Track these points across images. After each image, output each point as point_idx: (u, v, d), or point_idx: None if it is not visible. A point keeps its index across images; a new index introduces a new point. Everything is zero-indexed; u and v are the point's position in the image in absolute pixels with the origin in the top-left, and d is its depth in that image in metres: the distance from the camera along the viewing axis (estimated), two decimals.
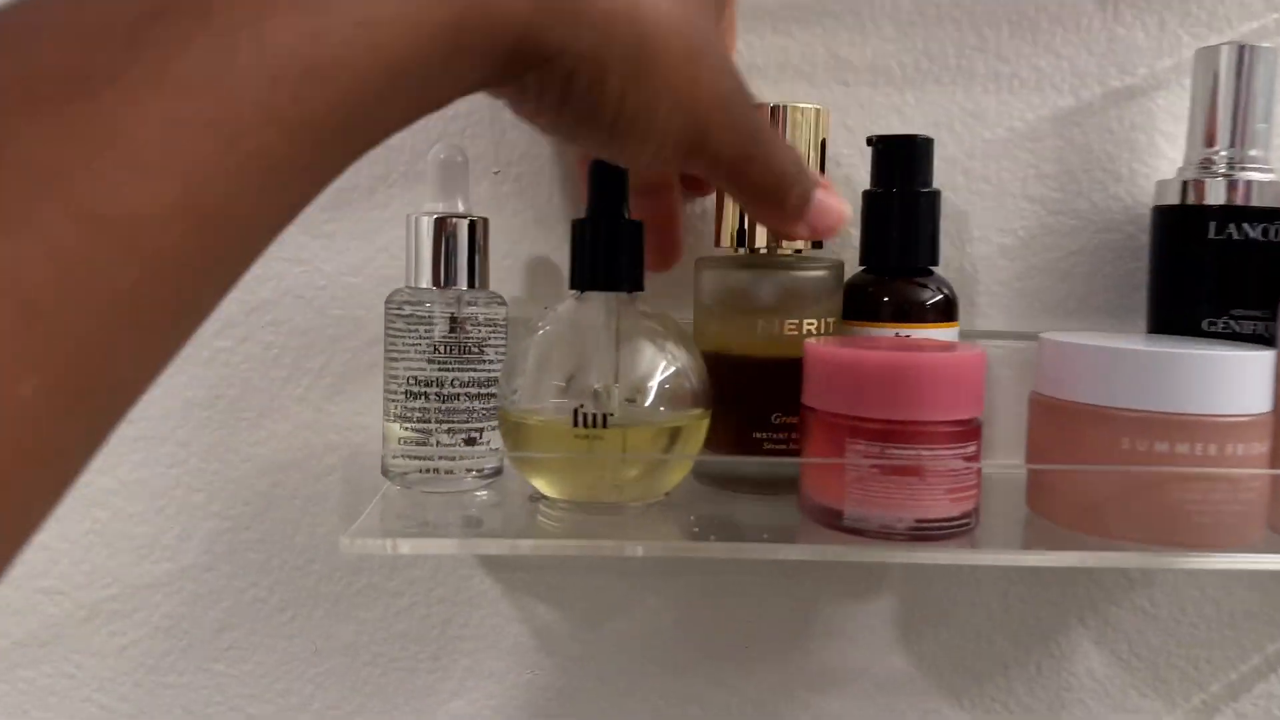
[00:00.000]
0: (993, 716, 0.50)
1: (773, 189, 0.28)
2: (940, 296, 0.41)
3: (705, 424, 0.39)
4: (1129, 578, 0.49)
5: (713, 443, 0.40)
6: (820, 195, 0.29)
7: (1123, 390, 0.36)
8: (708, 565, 0.48)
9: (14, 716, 0.49)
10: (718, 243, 0.42)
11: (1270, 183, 0.41)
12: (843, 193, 0.34)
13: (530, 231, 0.47)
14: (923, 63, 0.46)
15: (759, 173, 0.27)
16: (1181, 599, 0.49)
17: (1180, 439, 0.35)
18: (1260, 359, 0.36)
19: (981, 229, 0.47)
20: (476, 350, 0.40)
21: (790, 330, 0.40)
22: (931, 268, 0.42)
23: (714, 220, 0.42)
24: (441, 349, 0.40)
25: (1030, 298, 0.48)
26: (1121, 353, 0.37)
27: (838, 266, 0.42)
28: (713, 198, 0.44)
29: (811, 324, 0.41)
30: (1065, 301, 0.48)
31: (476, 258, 0.41)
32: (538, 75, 0.22)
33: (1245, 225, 0.40)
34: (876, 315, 0.41)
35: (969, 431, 0.36)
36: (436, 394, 0.40)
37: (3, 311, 0.14)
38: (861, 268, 0.43)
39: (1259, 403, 0.36)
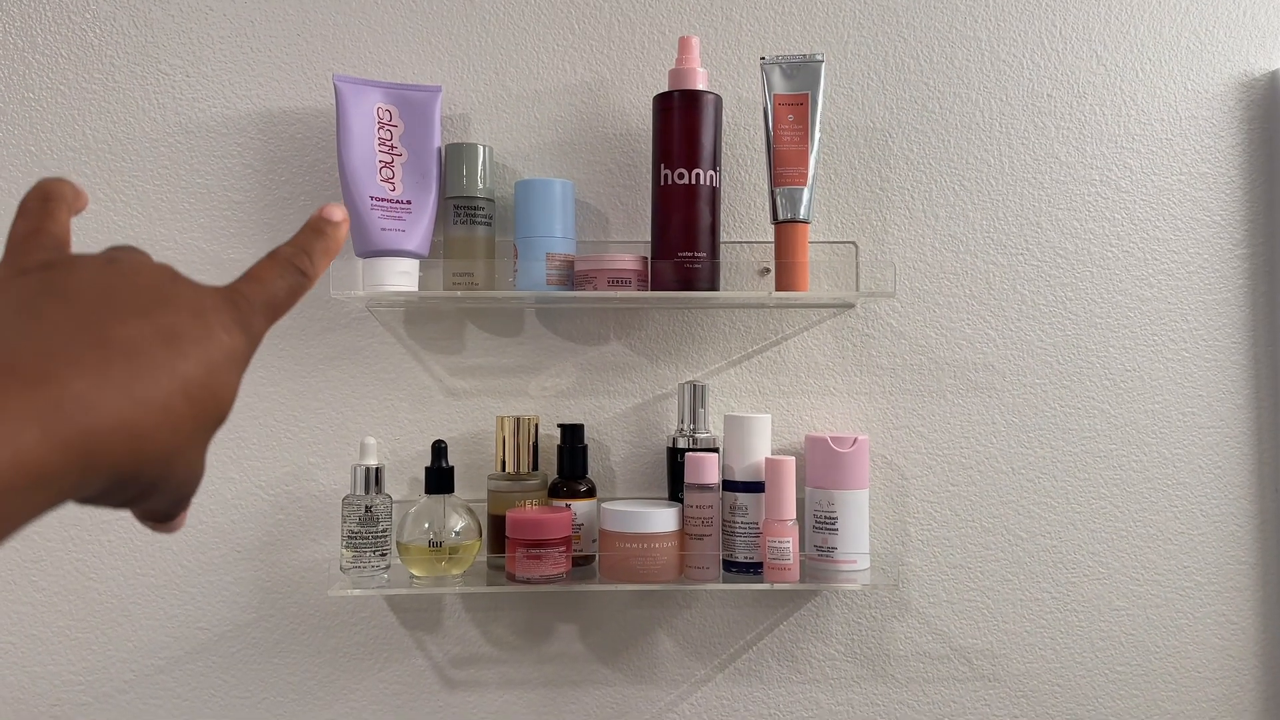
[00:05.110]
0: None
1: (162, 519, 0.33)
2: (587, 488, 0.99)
3: (478, 544, 0.95)
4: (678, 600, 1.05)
5: (495, 550, 0.96)
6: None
7: None
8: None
9: None
10: (498, 467, 0.99)
11: None
12: None
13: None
14: None
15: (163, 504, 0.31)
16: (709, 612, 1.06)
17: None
18: None
19: None
20: (379, 521, 0.96)
21: (523, 504, 0.97)
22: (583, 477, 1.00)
23: (495, 452, 1.00)
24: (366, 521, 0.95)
25: None
26: None
27: (544, 478, 0.99)
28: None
29: (532, 501, 0.97)
30: None
31: (382, 478, 0.97)
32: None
33: None
34: (559, 495, 0.98)
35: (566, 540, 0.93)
36: (366, 534, 0.95)
37: None
38: (555, 477, 1.00)
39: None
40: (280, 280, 0.35)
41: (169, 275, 0.32)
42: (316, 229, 0.38)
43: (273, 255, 0.36)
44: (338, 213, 0.38)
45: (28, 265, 0.31)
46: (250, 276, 0.34)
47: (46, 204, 0.34)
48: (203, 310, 0.31)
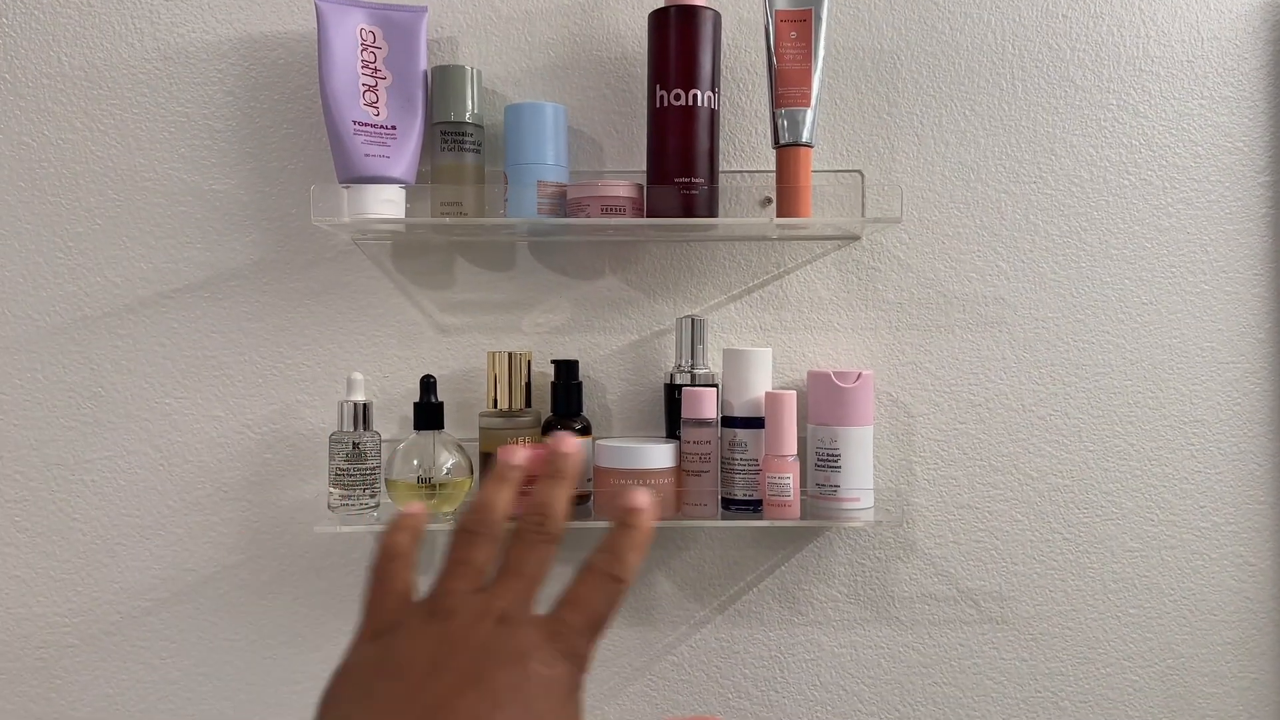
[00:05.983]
0: None
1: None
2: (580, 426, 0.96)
3: (469, 482, 0.92)
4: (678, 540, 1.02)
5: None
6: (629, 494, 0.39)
7: None
8: None
9: None
10: (490, 405, 0.96)
11: None
12: None
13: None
14: None
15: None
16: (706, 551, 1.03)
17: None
18: None
19: None
20: (367, 457, 0.93)
21: (514, 441, 0.94)
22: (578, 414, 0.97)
23: (486, 391, 0.96)
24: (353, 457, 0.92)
25: None
26: None
27: (537, 416, 0.96)
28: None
29: (523, 437, 0.94)
30: None
31: (369, 415, 0.94)
32: None
33: None
34: (550, 430, 0.95)
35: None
36: (354, 471, 0.92)
37: None
38: (549, 415, 0.97)
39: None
40: (599, 597, 0.36)
41: (493, 621, 0.35)
42: (626, 523, 0.38)
43: (588, 569, 0.37)
44: (641, 497, 0.39)
45: (369, 633, 0.37)
46: (569, 601, 0.36)
47: (390, 565, 0.39)
48: (524, 655, 0.34)
